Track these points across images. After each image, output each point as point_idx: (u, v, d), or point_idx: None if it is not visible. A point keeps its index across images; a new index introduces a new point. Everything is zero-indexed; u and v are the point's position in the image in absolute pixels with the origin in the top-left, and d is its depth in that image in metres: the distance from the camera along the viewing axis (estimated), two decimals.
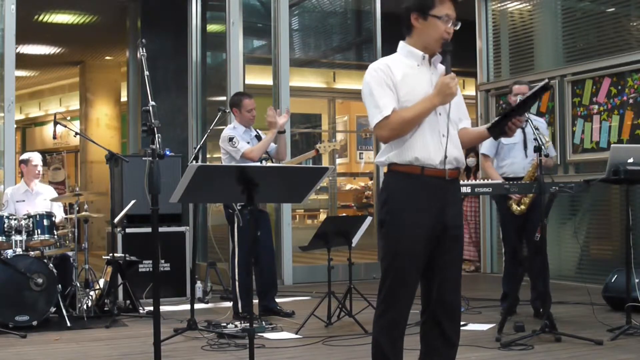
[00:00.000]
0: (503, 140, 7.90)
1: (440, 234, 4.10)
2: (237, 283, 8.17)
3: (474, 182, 7.51)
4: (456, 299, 4.27)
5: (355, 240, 7.69)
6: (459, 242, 4.25)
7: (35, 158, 9.10)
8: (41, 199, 9.01)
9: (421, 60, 4.18)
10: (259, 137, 8.36)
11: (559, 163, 10.77)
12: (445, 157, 4.07)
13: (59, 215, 8.99)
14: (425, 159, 4.07)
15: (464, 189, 7.34)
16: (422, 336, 4.30)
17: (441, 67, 4.18)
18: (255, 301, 8.26)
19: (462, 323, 7.45)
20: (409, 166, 4.09)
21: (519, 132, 7.93)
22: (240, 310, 8.13)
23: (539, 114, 11.08)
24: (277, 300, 8.55)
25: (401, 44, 4.27)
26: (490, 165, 8.19)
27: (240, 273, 8.16)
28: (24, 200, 8.97)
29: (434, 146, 4.08)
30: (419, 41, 4.18)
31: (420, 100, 4.05)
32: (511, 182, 7.36)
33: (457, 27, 4.14)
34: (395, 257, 4.11)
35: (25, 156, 9.17)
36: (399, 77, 4.11)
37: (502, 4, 12.27)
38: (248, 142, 8.23)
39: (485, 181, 7.58)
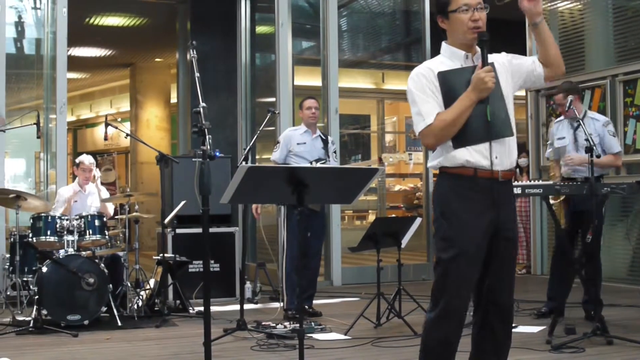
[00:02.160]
0: (556, 143, 7.92)
1: (493, 235, 4.05)
2: (284, 280, 8.36)
3: (524, 182, 7.46)
4: (509, 301, 4.22)
5: (404, 242, 7.66)
6: (512, 244, 4.17)
7: (86, 161, 9.18)
8: (93, 199, 9.11)
9: (464, 59, 4.13)
10: (325, 141, 8.48)
11: None
12: (493, 160, 4.02)
13: (110, 211, 9.14)
14: (476, 161, 4.02)
15: (514, 190, 7.30)
16: (472, 337, 4.26)
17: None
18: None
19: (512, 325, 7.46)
20: (460, 168, 4.05)
21: (569, 132, 7.90)
22: (285, 307, 8.27)
23: None
24: (326, 301, 8.57)
25: (443, 45, 4.24)
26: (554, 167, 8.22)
27: (287, 271, 8.32)
28: (76, 201, 9.07)
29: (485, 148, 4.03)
30: (455, 41, 4.16)
31: (459, 99, 4.00)
32: (562, 184, 7.29)
33: (487, 10, 4.08)
34: (451, 261, 4.03)
35: (78, 158, 9.29)
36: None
37: (552, 3, 12.16)
38: (304, 143, 8.45)
39: (536, 182, 7.52)
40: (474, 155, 4.02)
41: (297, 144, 8.46)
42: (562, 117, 8.10)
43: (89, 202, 9.05)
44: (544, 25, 4.12)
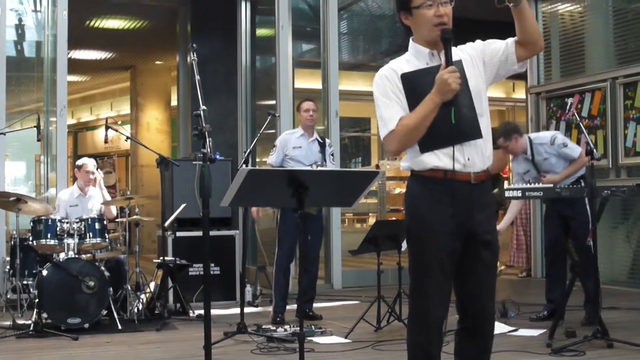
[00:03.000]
0: (525, 178, 8.14)
1: (468, 239, 3.91)
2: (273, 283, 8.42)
3: (524, 185, 7.47)
4: (490, 306, 4.07)
5: (405, 244, 7.65)
6: (491, 248, 3.99)
7: (89, 164, 9.20)
8: (93, 203, 9.12)
9: (430, 57, 3.95)
10: (322, 145, 8.47)
11: (610, 167, 10.66)
12: (460, 160, 3.87)
13: (113, 212, 9.18)
14: (445, 165, 3.86)
15: (514, 193, 7.31)
16: (455, 344, 4.15)
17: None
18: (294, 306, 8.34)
19: (512, 328, 7.47)
20: (429, 171, 3.90)
21: (528, 163, 8.12)
22: (272, 311, 8.31)
23: (591, 117, 10.98)
24: (326, 304, 8.57)
25: (410, 42, 4.06)
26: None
27: (275, 270, 8.37)
28: (77, 205, 9.08)
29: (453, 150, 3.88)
30: (420, 38, 3.97)
31: (422, 102, 3.79)
32: (562, 186, 7.29)
33: (452, 4, 3.88)
34: (424, 266, 3.93)
35: (79, 162, 9.29)
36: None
37: (552, 5, 12.17)
38: (300, 147, 8.42)
39: (536, 185, 7.53)
40: (443, 158, 3.87)
41: (293, 148, 8.44)
42: (513, 157, 8.33)
43: (90, 206, 9.05)
44: (525, 2, 3.87)
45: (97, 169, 9.31)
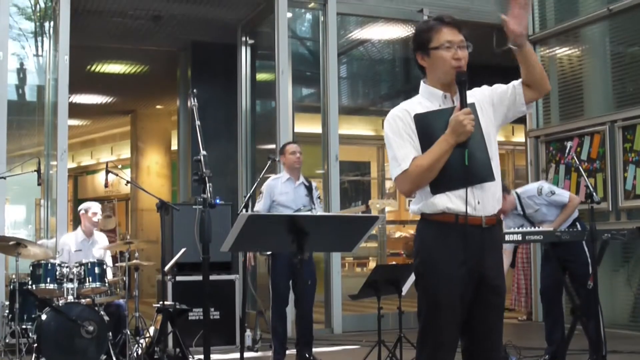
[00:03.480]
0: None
1: (478, 285, 3.88)
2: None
3: (524, 229, 7.47)
4: (497, 354, 4.06)
5: (405, 289, 7.63)
6: (500, 293, 3.99)
7: (95, 207, 9.23)
8: (97, 247, 9.11)
9: (442, 100, 3.97)
10: (308, 188, 8.44)
11: (610, 210, 10.66)
12: (472, 202, 3.87)
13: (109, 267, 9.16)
14: (456, 208, 3.86)
15: (514, 237, 7.31)
16: None
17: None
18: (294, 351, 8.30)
19: None
20: (441, 215, 3.89)
21: (520, 219, 8.12)
22: (272, 357, 8.27)
23: (590, 160, 11.00)
24: (327, 349, 8.52)
25: (422, 84, 4.09)
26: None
27: (272, 319, 8.36)
28: (80, 250, 9.07)
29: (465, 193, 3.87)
30: (434, 79, 4.01)
31: (436, 143, 3.82)
32: (563, 230, 7.30)
33: (470, 50, 3.94)
34: (434, 312, 3.91)
35: (85, 205, 9.31)
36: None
37: (551, 49, 12.24)
38: (287, 193, 8.42)
39: (535, 229, 7.53)
40: (454, 201, 3.86)
41: (280, 194, 8.42)
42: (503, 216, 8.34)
43: (94, 252, 9.03)
44: (529, 45, 3.92)
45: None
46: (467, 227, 3.84)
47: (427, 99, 4.02)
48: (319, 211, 8.38)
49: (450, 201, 3.87)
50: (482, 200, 3.90)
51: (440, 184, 3.88)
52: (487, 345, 3.99)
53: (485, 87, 4.09)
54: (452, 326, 3.91)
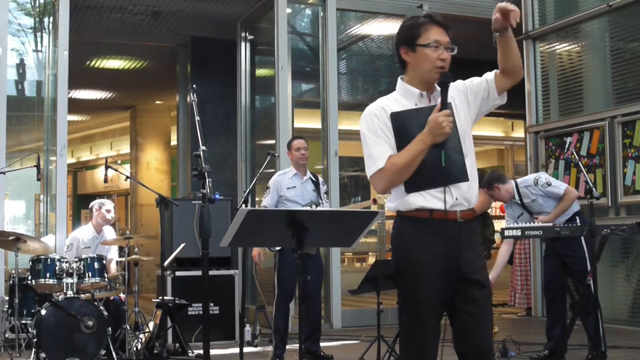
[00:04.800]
0: (520, 221, 8.14)
1: (458, 281, 3.87)
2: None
3: (524, 225, 7.48)
4: (485, 347, 3.99)
5: None
6: (483, 287, 3.95)
7: (108, 204, 9.28)
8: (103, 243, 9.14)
9: (419, 98, 3.95)
10: (316, 183, 8.45)
11: (609, 205, 10.67)
12: (448, 200, 3.86)
13: (114, 260, 9.18)
14: (431, 205, 3.85)
15: (514, 232, 7.32)
16: None
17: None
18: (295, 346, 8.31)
19: None
20: (415, 211, 3.89)
21: (519, 208, 8.15)
22: (272, 352, 8.26)
23: (590, 155, 11.01)
24: (326, 344, 8.52)
25: (398, 81, 4.05)
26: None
27: (274, 315, 8.34)
28: (89, 247, 9.09)
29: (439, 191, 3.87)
30: (415, 76, 3.97)
31: (412, 142, 3.80)
32: (562, 225, 7.31)
33: (454, 52, 3.91)
34: (415, 308, 3.90)
35: (99, 202, 9.33)
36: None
37: (551, 45, 12.24)
38: (294, 187, 8.42)
39: (536, 224, 7.54)
40: (429, 199, 3.86)
41: (287, 189, 8.41)
42: (505, 204, 8.41)
43: (101, 250, 9.04)
44: (510, 31, 3.85)
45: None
46: (443, 222, 3.85)
47: (403, 96, 3.99)
48: (327, 207, 8.38)
49: (424, 199, 3.87)
50: (459, 196, 3.90)
51: (415, 183, 3.88)
52: (473, 339, 3.95)
53: (459, 82, 4.06)
54: (433, 319, 3.91)
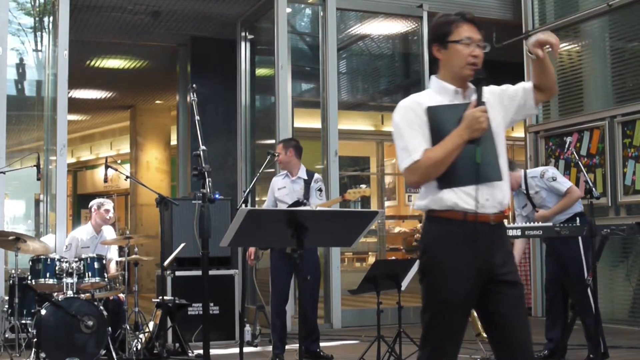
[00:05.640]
0: (524, 212, 8.20)
1: (488, 282, 3.84)
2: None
3: (523, 225, 7.47)
4: (526, 345, 3.97)
5: (404, 284, 7.63)
6: (517, 287, 3.91)
7: (108, 204, 9.28)
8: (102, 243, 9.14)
9: (454, 95, 3.94)
10: (306, 182, 8.46)
11: (609, 205, 10.67)
12: (480, 200, 3.82)
13: (114, 260, 9.18)
14: (464, 204, 3.82)
15: (513, 232, 7.31)
16: None
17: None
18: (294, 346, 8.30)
19: None
20: (449, 212, 3.85)
21: (525, 198, 8.14)
22: (272, 352, 8.29)
23: (590, 155, 11.00)
24: (326, 344, 8.52)
25: (432, 78, 4.06)
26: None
27: (271, 314, 8.38)
28: (88, 247, 9.09)
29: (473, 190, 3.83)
30: (447, 73, 3.97)
31: (449, 136, 3.78)
32: (562, 225, 7.30)
33: (487, 50, 3.93)
34: (439, 309, 3.87)
35: (98, 201, 9.33)
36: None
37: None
38: (284, 187, 8.52)
39: (535, 224, 7.53)
40: (462, 197, 3.82)
41: (278, 189, 8.53)
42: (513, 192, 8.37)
43: (100, 250, 9.04)
44: (547, 56, 3.90)
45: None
46: (476, 225, 3.82)
47: (438, 93, 3.98)
48: (313, 204, 8.35)
49: (457, 197, 3.83)
50: (491, 197, 3.87)
51: (448, 179, 3.84)
52: (513, 338, 3.92)
53: (494, 87, 4.07)
54: (457, 324, 3.90)
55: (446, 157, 3.78)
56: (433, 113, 3.89)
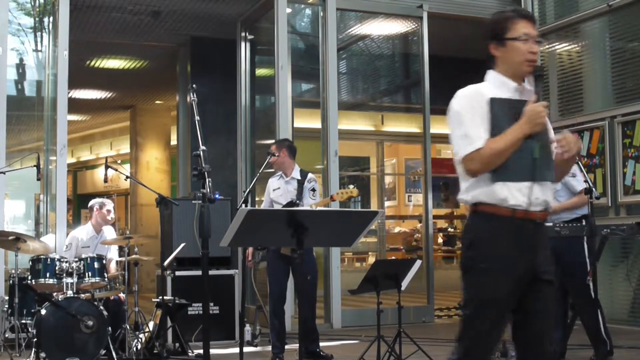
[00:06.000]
0: None
1: (531, 281, 3.86)
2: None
3: None
4: (550, 348, 3.99)
5: (404, 284, 7.63)
6: (552, 287, 3.96)
7: (109, 204, 9.29)
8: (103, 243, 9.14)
9: (513, 91, 3.95)
10: (300, 182, 8.46)
11: (609, 205, 10.67)
12: (531, 197, 3.84)
13: (114, 260, 9.19)
14: (515, 200, 3.83)
15: None
16: None
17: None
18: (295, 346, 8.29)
19: None
20: (497, 207, 3.85)
21: None
22: (271, 351, 8.31)
23: (590, 155, 11.00)
24: (326, 344, 8.51)
25: (491, 73, 4.03)
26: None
27: (269, 314, 8.41)
28: (88, 246, 9.09)
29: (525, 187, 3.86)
30: (506, 70, 3.98)
31: (510, 129, 3.79)
32: (562, 225, 7.29)
33: (542, 46, 4.00)
34: (481, 306, 3.87)
35: (99, 201, 9.33)
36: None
37: (551, 45, 12.23)
38: (278, 188, 8.55)
39: None
40: (513, 192, 3.83)
41: (273, 190, 8.57)
42: None
43: (100, 249, 9.04)
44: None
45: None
46: (523, 222, 3.85)
47: (497, 87, 3.98)
48: (307, 204, 8.34)
49: (509, 191, 3.84)
50: (541, 196, 3.89)
51: (503, 173, 3.85)
52: (543, 342, 3.95)
53: None
54: (498, 322, 3.90)
55: (507, 149, 3.79)
56: (494, 105, 3.89)
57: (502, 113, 3.87)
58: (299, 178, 8.51)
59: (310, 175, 8.61)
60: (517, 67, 3.94)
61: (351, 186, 8.35)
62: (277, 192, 8.50)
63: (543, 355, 3.95)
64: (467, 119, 3.87)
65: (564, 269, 7.76)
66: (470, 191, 3.95)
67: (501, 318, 3.90)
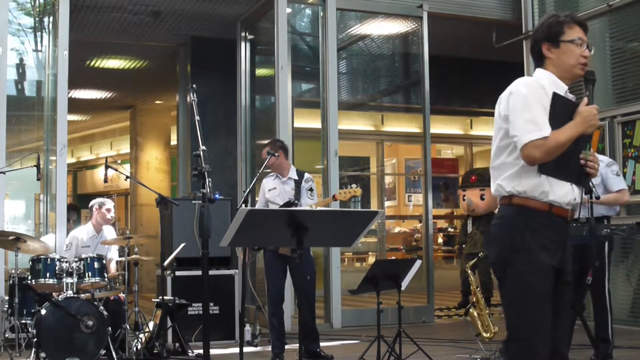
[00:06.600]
0: None
1: (556, 278, 3.88)
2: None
3: None
4: (567, 350, 4.04)
5: (404, 284, 7.63)
6: (569, 289, 3.99)
7: (109, 203, 9.29)
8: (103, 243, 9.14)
9: (564, 93, 3.99)
10: (297, 182, 8.45)
11: None
12: (570, 199, 3.92)
13: (114, 260, 9.18)
14: (556, 197, 3.87)
15: None
16: None
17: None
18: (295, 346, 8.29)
19: None
20: (536, 201, 3.86)
21: None
22: (271, 351, 8.30)
23: None
24: (326, 344, 8.50)
25: (542, 71, 4.06)
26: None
27: (268, 315, 8.41)
28: (88, 246, 9.09)
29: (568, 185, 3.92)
30: (557, 72, 4.02)
31: (568, 125, 3.84)
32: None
33: (592, 52, 4.03)
34: (531, 303, 3.86)
35: (99, 200, 9.34)
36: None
37: None
38: (275, 188, 8.55)
39: None
40: (554, 188, 3.86)
41: (269, 190, 8.56)
42: None
43: (100, 249, 9.03)
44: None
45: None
46: (559, 219, 3.90)
47: (550, 85, 4.00)
48: (305, 204, 8.34)
49: (550, 187, 3.87)
50: (577, 198, 3.96)
51: (554, 168, 3.87)
52: (561, 342, 3.99)
53: None
54: (546, 316, 3.88)
55: (566, 143, 3.84)
56: (556, 100, 3.91)
57: (559, 110, 3.89)
58: (296, 178, 8.51)
59: (307, 175, 8.61)
60: (569, 69, 4.02)
61: (354, 185, 8.35)
62: (274, 192, 8.49)
63: (562, 345, 4.00)
64: (534, 106, 3.86)
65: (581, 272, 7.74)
66: (511, 181, 3.94)
67: (548, 312, 3.88)
